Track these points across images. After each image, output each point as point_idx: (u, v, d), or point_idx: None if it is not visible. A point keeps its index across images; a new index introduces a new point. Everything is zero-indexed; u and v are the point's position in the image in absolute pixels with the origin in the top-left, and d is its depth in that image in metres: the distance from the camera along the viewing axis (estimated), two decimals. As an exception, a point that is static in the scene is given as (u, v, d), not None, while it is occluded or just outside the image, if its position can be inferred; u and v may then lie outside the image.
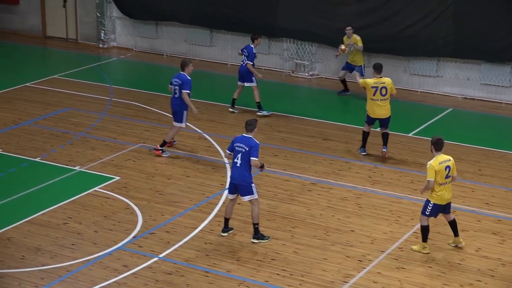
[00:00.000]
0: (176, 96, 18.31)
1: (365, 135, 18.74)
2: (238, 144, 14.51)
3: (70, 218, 15.52)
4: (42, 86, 23.75)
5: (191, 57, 26.60)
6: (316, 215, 15.85)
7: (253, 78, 21.16)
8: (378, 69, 18.32)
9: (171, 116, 18.72)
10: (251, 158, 14.37)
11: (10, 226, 15.10)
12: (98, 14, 28.39)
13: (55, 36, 29.60)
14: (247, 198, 14.59)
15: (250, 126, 14.64)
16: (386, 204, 16.36)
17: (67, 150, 18.88)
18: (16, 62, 27.13)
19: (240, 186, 14.57)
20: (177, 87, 18.24)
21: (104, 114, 21.35)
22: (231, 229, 15.04)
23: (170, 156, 18.52)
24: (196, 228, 15.20)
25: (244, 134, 14.66)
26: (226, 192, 16.49)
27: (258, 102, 21.39)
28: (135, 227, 15.18)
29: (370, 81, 18.20)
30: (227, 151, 14.79)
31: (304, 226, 15.37)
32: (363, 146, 18.83)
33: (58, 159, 18.27)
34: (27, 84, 23.90)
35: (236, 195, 14.76)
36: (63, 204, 16.08)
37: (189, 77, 18.20)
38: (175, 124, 18.46)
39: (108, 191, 16.71)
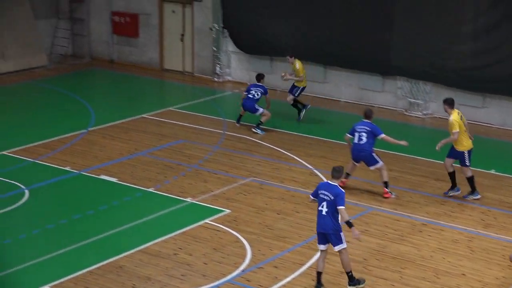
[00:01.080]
0: (362, 142, 18.26)
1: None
2: (323, 192, 13.95)
3: (180, 249, 15.74)
4: (158, 117, 24.26)
5: (305, 93, 26.71)
6: (426, 256, 15.61)
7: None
8: (451, 104, 18.20)
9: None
10: (338, 207, 13.77)
11: (123, 255, 15.41)
12: (214, 48, 28.88)
13: (172, 69, 30.26)
14: (337, 248, 13.95)
15: (337, 173, 14.05)
16: (498, 249, 15.99)
17: (180, 181, 19.19)
18: (134, 94, 27.85)
19: (329, 236, 13.97)
20: (363, 134, 18.23)
21: (217, 147, 21.63)
22: (322, 285, 14.32)
23: (280, 191, 18.60)
24: (304, 264, 15.19)
25: (329, 181, 14.14)
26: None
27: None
28: (244, 261, 15.27)
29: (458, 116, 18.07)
30: (311, 197, 14.31)
31: (414, 268, 15.16)
32: (475, 189, 18.56)
33: (171, 190, 18.58)
34: (143, 115, 24.47)
35: (327, 244, 14.09)
36: (174, 235, 16.32)
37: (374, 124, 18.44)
38: (377, 166, 18.44)
39: (218, 223, 16.88)
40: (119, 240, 16.14)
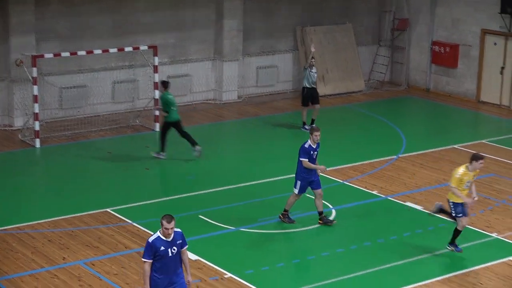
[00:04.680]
0: None
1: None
2: None
3: (481, 284, 15.47)
4: (469, 149, 23.97)
5: None
6: None
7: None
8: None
9: None
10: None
11: (423, 282, 15.40)
12: (534, 82, 28.07)
13: (489, 101, 29.74)
14: None
15: None
16: None
17: (487, 215, 18.85)
18: (447, 124, 27.73)
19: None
20: None
21: (529, 184, 21.02)
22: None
23: None
24: None
25: None
26: None
27: None
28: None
29: None
30: None
31: None
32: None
33: (476, 224, 18.30)
34: (455, 146, 24.31)
35: None
36: (477, 269, 16.07)
37: None
38: None
39: (522, 262, 16.43)
40: (421, 267, 16.16)
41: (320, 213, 18.02)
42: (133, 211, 18.66)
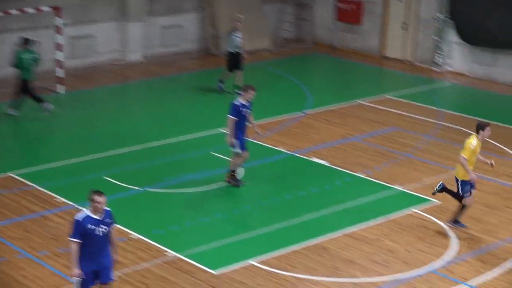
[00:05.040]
0: None
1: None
2: None
3: (385, 235, 15.76)
4: (373, 104, 24.31)
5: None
6: None
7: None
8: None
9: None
10: None
11: (328, 237, 15.63)
12: (437, 38, 28.50)
13: (392, 57, 30.16)
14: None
15: None
16: None
17: (391, 168, 19.18)
18: (352, 80, 28.06)
19: None
20: None
21: (431, 137, 21.42)
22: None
23: (493, 185, 18.16)
24: (510, 261, 14.80)
25: None
26: (547, 228, 16.05)
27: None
28: (449, 252, 15.08)
29: None
30: None
31: None
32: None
33: (381, 177, 18.61)
34: (359, 101, 24.61)
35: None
36: (380, 221, 16.37)
37: None
38: None
39: (425, 213, 16.75)
40: (326, 222, 16.37)
41: (233, 171, 18.00)
42: (36, 175, 18.34)
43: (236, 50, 24.80)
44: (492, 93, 26.18)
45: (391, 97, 25.22)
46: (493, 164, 15.95)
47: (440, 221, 16.35)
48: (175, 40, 30.17)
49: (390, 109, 23.86)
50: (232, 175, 17.87)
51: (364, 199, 17.45)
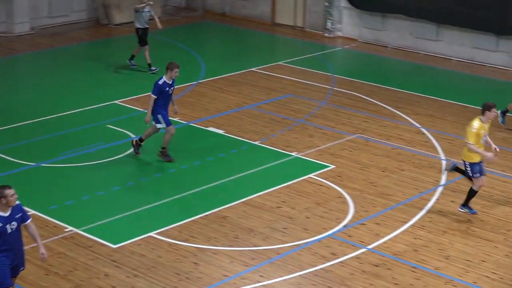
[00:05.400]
0: None
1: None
2: None
3: (283, 202, 15.89)
4: (267, 71, 24.39)
5: (416, 50, 26.47)
6: (533, 220, 15.37)
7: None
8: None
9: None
10: None
11: (227, 206, 15.66)
12: (326, 3, 28.74)
13: (283, 23, 30.27)
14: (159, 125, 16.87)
15: None
16: None
17: (286, 135, 19.31)
18: (245, 47, 28.04)
19: None
20: None
21: (324, 103, 21.64)
22: None
23: (386, 149, 18.51)
24: (406, 222, 15.13)
25: None
26: (440, 189, 16.41)
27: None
28: (346, 216, 15.32)
29: None
30: None
31: (519, 230, 14.95)
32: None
33: (276, 144, 18.72)
34: (253, 69, 24.64)
35: None
36: (278, 188, 16.48)
37: None
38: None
39: (322, 178, 16.95)
40: (224, 191, 16.40)
41: (163, 148, 17.70)
42: None
43: (146, 25, 24.31)
44: (382, 57, 26.60)
45: (284, 64, 25.33)
46: (497, 149, 15.32)
47: (337, 185, 16.57)
48: (64, 10, 29.51)
49: (284, 76, 23.98)
50: (162, 151, 17.68)
51: (261, 166, 17.53)
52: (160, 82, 17.30)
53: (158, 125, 17.46)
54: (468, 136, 14.82)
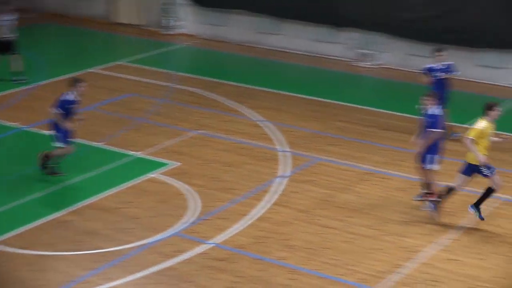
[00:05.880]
0: None
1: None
2: None
3: (128, 202, 15.73)
4: (107, 72, 24.06)
5: (258, 45, 26.73)
6: (372, 205, 15.76)
7: None
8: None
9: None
10: None
11: (70, 209, 15.36)
12: (165, 0, 28.62)
13: (121, 22, 29.89)
14: None
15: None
16: (443, 196, 16.15)
17: (128, 135, 19.11)
18: (82, 48, 27.52)
19: None
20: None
21: (166, 100, 21.55)
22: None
23: (228, 143, 18.61)
24: (250, 215, 15.26)
25: None
26: (278, 180, 16.63)
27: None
28: (191, 213, 15.30)
29: None
30: None
31: (359, 216, 15.30)
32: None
33: (118, 144, 18.50)
34: (91, 70, 24.23)
35: None
36: (122, 189, 16.30)
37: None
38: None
39: (166, 176, 16.88)
40: (65, 195, 16.10)
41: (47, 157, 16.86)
42: None
43: (5, 36, 23.15)
44: (224, 53, 26.71)
45: (124, 63, 25.05)
46: (507, 138, 15.54)
47: (182, 183, 16.53)
48: None
49: (123, 75, 23.72)
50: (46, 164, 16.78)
51: (103, 168, 17.29)
52: (69, 98, 16.53)
53: (60, 143, 16.59)
54: (471, 131, 14.49)
